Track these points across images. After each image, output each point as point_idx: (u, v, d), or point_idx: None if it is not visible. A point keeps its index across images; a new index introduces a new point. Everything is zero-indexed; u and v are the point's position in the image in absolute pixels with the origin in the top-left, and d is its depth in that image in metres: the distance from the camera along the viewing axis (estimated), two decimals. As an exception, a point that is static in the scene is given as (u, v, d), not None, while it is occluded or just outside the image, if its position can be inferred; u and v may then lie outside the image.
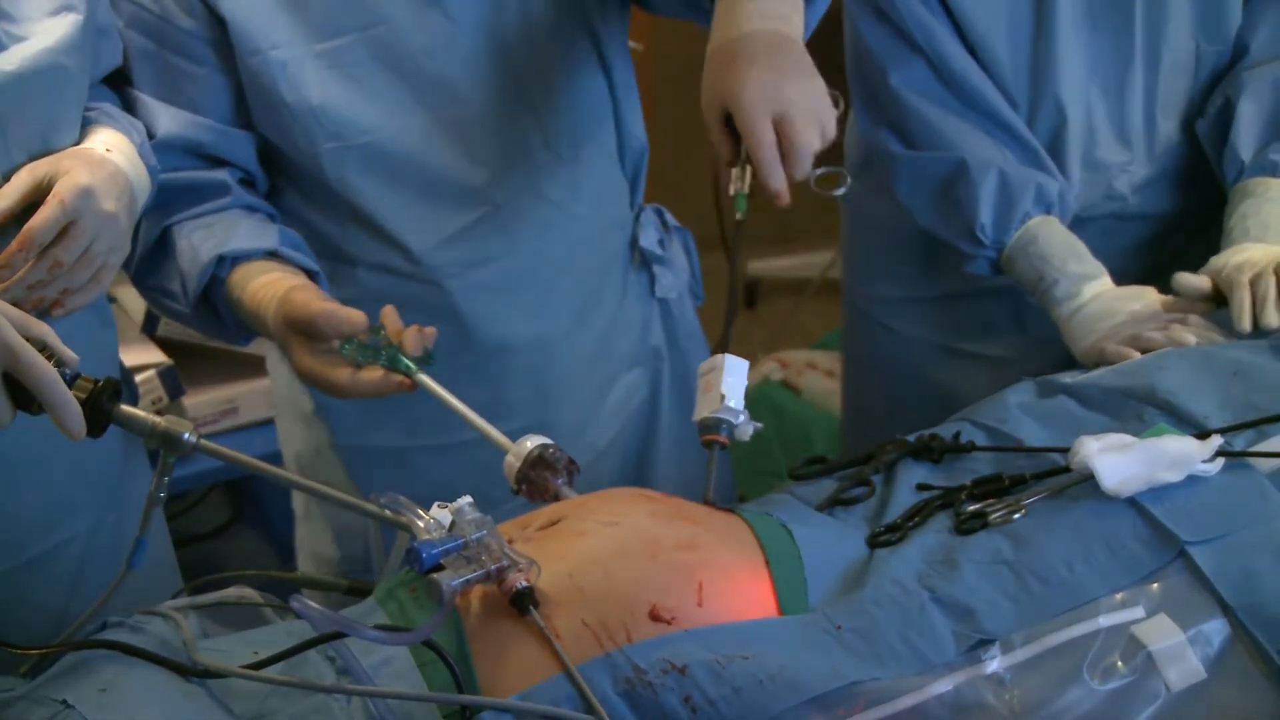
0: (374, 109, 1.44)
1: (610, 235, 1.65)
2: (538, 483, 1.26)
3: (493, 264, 1.53)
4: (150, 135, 1.38)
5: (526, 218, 1.53)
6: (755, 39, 1.29)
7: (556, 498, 1.25)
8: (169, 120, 1.40)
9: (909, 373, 1.84)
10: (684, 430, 1.72)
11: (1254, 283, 1.46)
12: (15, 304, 1.04)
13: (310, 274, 1.40)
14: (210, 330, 1.47)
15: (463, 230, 1.50)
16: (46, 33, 1.18)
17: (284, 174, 1.50)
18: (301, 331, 1.30)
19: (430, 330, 1.32)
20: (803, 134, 1.27)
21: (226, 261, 1.38)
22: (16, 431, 0.99)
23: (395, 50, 1.42)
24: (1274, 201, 1.57)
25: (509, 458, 1.26)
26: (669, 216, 1.75)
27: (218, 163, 1.44)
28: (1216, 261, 1.53)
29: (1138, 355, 1.43)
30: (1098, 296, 1.53)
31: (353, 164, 1.45)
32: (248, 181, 1.48)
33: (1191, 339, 1.42)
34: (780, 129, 1.26)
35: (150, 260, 1.44)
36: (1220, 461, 1.16)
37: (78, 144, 1.24)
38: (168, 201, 1.40)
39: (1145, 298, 1.52)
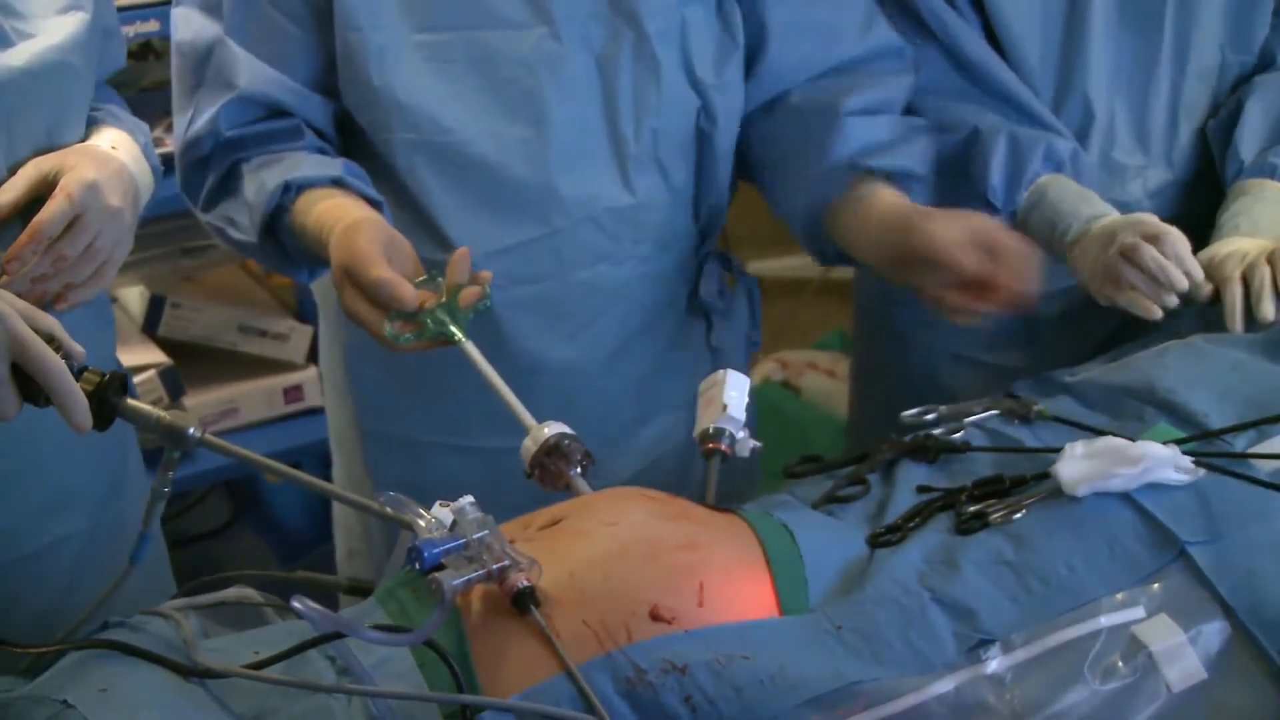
0: (459, 110, 1.43)
1: (667, 279, 1.61)
2: (551, 470, 1.25)
3: (539, 284, 1.51)
4: (231, 86, 1.39)
5: (583, 247, 1.51)
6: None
7: (569, 487, 1.25)
8: (252, 75, 1.40)
9: (918, 379, 1.80)
10: (718, 478, 1.71)
11: (1247, 275, 1.46)
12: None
13: (374, 203, 1.39)
14: (273, 262, 1.47)
15: (517, 245, 1.49)
16: (54, 30, 1.19)
17: (355, 148, 1.50)
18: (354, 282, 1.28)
19: (486, 274, 1.31)
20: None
21: (292, 189, 1.38)
22: (20, 426, 0.99)
23: (494, 57, 1.42)
24: (1268, 201, 1.57)
25: (526, 441, 1.26)
26: (736, 261, 1.71)
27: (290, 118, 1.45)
28: (1205, 255, 1.53)
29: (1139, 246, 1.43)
30: (1102, 224, 1.50)
31: (424, 159, 1.44)
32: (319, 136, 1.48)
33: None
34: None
35: (218, 192, 1.45)
36: (1199, 471, 1.15)
37: (83, 141, 1.24)
38: (240, 142, 1.42)
39: (1144, 222, 1.49)
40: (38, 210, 1.15)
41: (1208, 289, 1.52)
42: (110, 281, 1.22)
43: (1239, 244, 1.51)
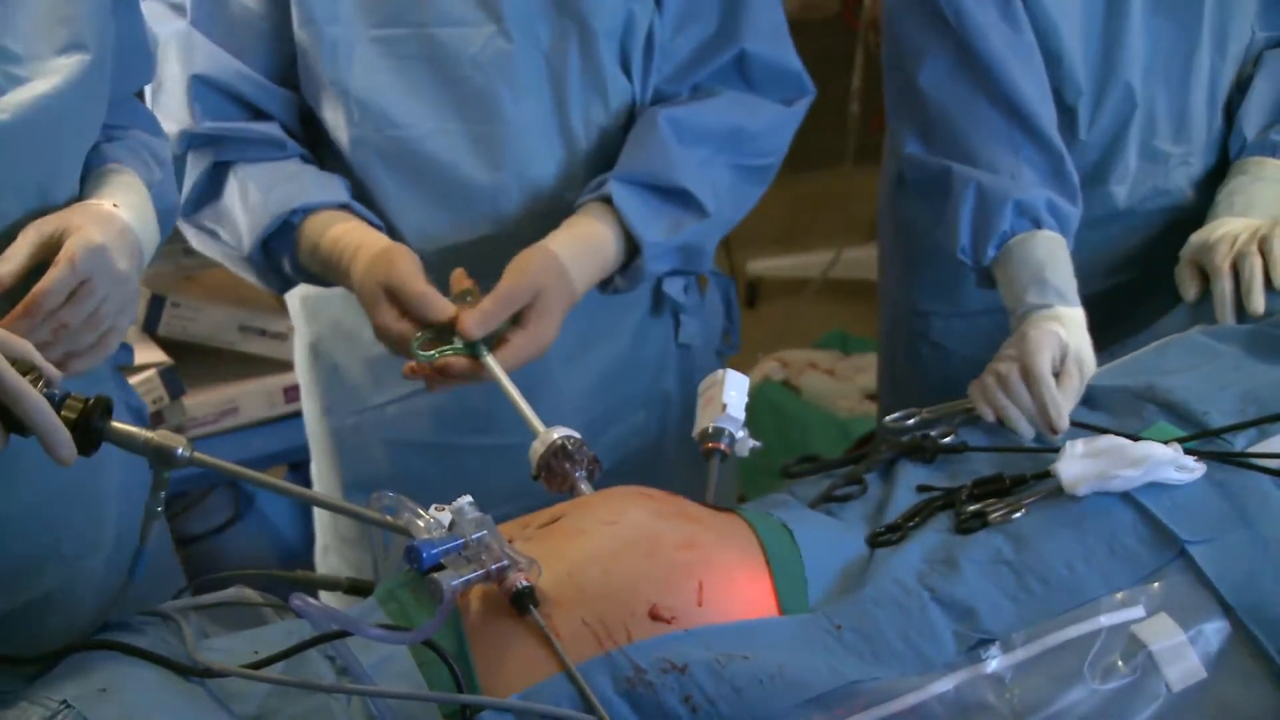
0: (412, 106, 1.44)
1: None
2: (558, 471, 1.26)
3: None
4: (191, 70, 1.40)
5: None
6: None
7: (573, 490, 1.26)
8: (213, 62, 1.41)
9: (960, 390, 1.61)
10: (687, 473, 1.70)
11: (1237, 264, 1.44)
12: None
13: (376, 228, 1.43)
14: (259, 275, 1.49)
15: (469, 243, 1.49)
16: (51, 74, 1.10)
17: (317, 144, 1.51)
18: (393, 298, 1.33)
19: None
20: None
21: (300, 212, 1.41)
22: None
23: (447, 54, 1.42)
24: (1265, 181, 1.56)
25: (535, 443, 1.28)
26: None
27: (259, 113, 1.46)
28: (1196, 239, 1.52)
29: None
30: (1024, 326, 1.42)
31: (377, 154, 1.45)
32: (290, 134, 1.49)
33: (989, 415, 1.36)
34: None
35: (201, 198, 1.46)
36: (1200, 469, 1.15)
37: (80, 193, 1.17)
38: (217, 141, 1.43)
39: (1043, 326, 1.39)
40: (41, 274, 1.07)
41: (1193, 290, 1.51)
42: (113, 350, 1.14)
43: (1230, 226, 1.50)
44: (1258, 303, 1.42)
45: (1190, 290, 1.52)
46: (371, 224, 1.43)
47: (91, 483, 1.24)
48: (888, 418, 1.39)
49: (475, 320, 1.32)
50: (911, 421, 1.39)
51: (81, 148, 1.18)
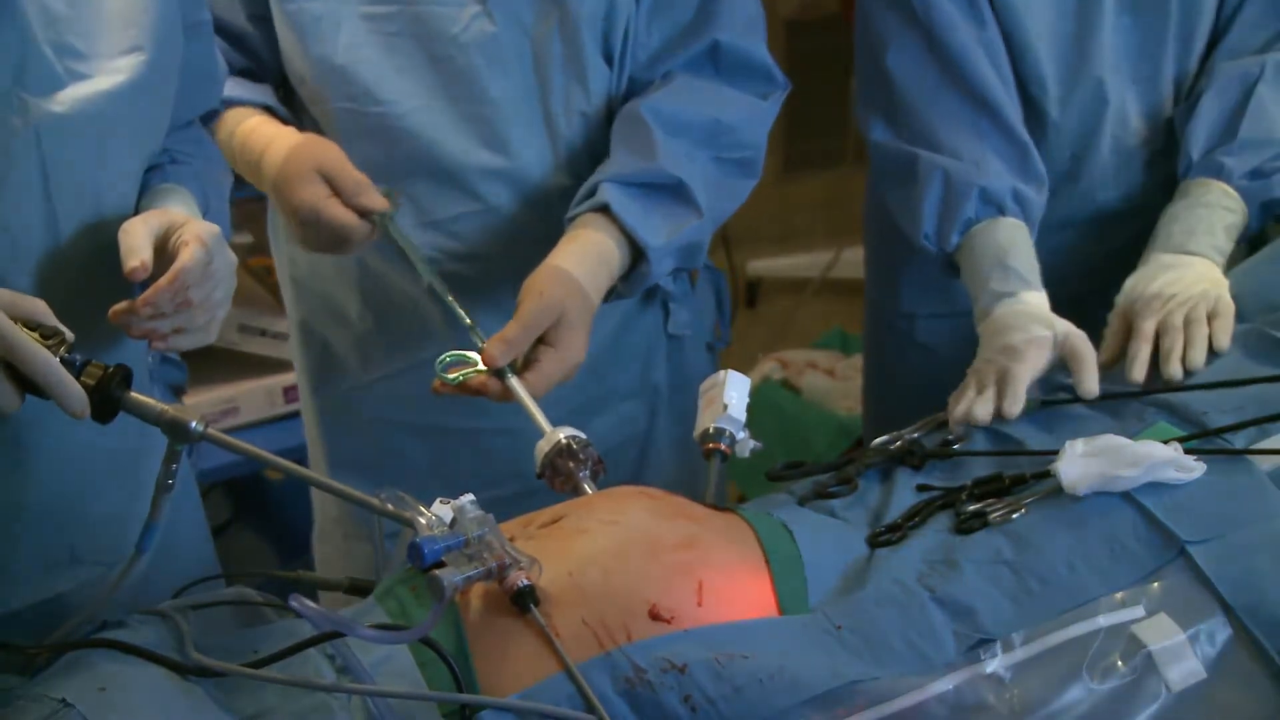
0: (397, 83, 1.45)
1: None
2: (562, 471, 1.27)
3: (476, 262, 1.53)
4: None
5: (522, 227, 1.52)
6: None
7: (576, 490, 1.26)
8: None
9: (947, 390, 1.53)
10: (676, 467, 1.71)
11: (1160, 332, 1.40)
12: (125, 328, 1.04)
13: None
14: None
15: (453, 219, 1.50)
16: (112, 74, 1.09)
17: (296, 115, 1.52)
18: (325, 179, 1.38)
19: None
20: None
21: (223, 102, 1.42)
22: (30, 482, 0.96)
23: (433, 33, 1.44)
24: (1206, 206, 1.51)
25: (540, 442, 1.28)
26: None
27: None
28: (1130, 288, 1.47)
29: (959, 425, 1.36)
30: (995, 319, 1.43)
31: (359, 129, 1.46)
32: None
33: (981, 415, 1.34)
34: None
35: None
36: (1200, 469, 1.15)
37: (137, 207, 1.17)
38: None
39: (1029, 330, 1.39)
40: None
41: (1109, 353, 1.44)
42: (214, 337, 1.15)
43: (1162, 284, 1.44)
44: (1175, 370, 1.36)
45: (1108, 350, 1.45)
46: (288, 124, 1.46)
47: (113, 489, 1.24)
48: (875, 441, 1.37)
49: (500, 350, 1.32)
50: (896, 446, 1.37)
51: (137, 154, 1.17)
